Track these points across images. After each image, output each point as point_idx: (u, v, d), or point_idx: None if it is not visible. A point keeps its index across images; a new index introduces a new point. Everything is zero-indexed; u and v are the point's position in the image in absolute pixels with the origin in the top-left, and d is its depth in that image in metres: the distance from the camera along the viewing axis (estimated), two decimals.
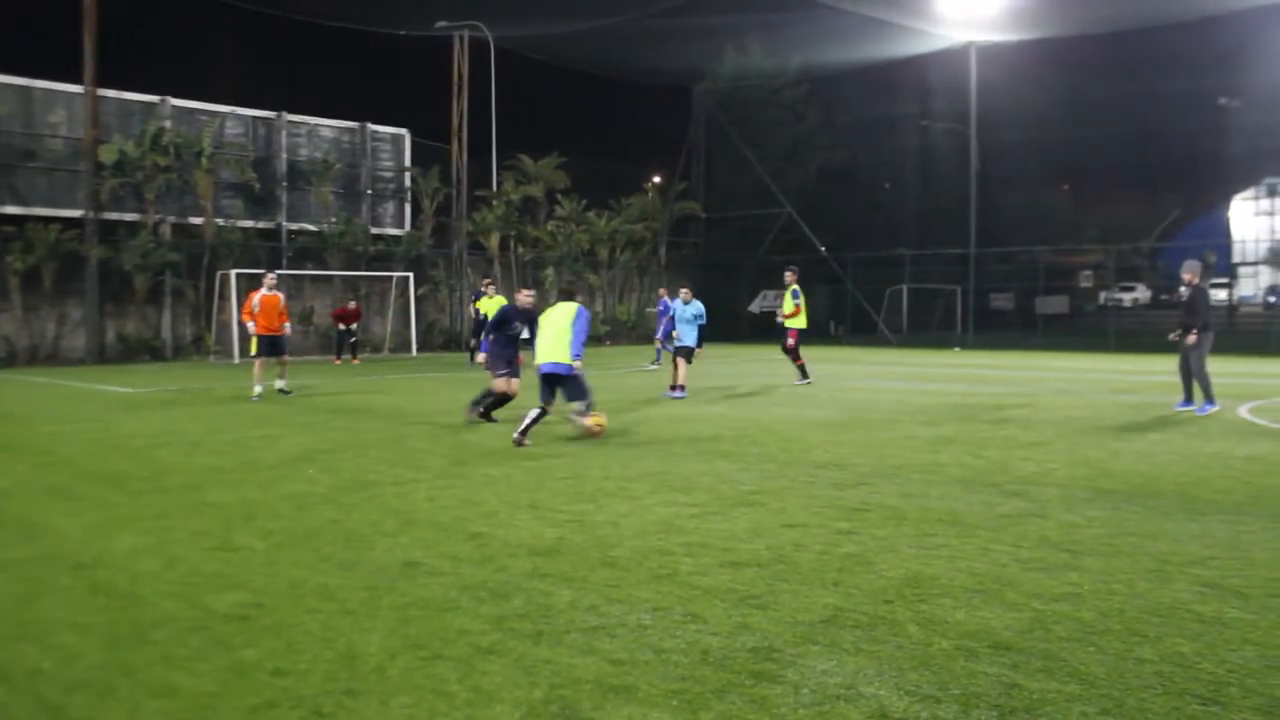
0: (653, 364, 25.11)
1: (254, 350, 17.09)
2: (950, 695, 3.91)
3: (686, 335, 17.25)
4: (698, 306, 17.32)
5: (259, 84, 37.12)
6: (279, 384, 16.98)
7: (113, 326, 28.71)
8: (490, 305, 22.31)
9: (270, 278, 17.33)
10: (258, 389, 16.68)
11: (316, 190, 33.52)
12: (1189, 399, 13.86)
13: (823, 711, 3.78)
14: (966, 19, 34.73)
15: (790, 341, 18.87)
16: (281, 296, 17.43)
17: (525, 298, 12.65)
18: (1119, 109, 42.70)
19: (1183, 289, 14.09)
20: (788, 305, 18.86)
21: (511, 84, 37.72)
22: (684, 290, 17.98)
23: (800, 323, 18.87)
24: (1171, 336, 14.08)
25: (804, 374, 18.96)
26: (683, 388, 16.94)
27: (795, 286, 18.86)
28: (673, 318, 18.97)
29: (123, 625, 4.87)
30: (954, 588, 5.34)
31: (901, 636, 4.59)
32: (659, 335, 25.23)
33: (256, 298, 17.00)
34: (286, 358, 17.18)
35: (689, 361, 17.29)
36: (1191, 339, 13.63)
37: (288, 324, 17.29)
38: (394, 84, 44.22)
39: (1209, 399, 13.59)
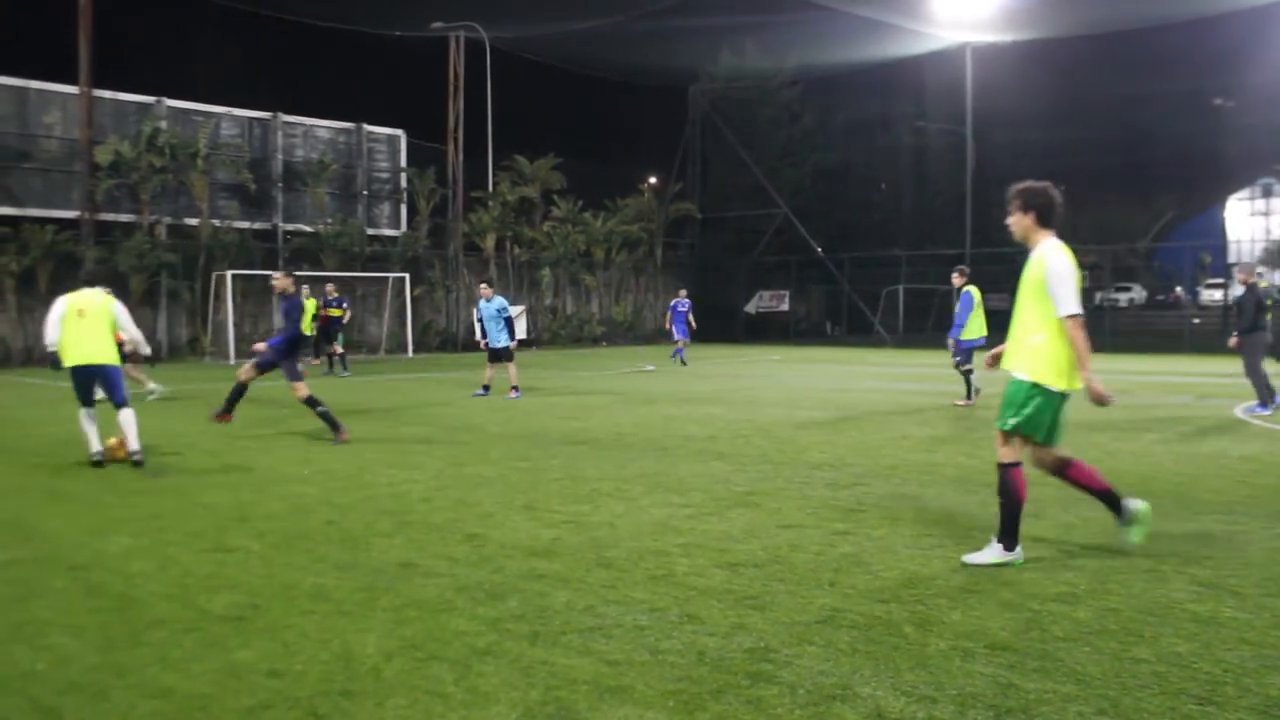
0: (650, 365, 25.08)
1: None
2: (946, 695, 3.91)
3: (497, 336, 16.33)
4: (500, 302, 16.49)
5: (254, 85, 37.02)
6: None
7: None
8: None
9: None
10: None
11: (312, 191, 33.46)
12: (1262, 402, 13.76)
13: (819, 712, 3.78)
14: (961, 20, 34.78)
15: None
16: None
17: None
18: (1114, 109, 42.78)
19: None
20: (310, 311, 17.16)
21: (507, 85, 37.72)
22: (483, 286, 16.87)
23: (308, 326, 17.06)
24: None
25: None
26: (516, 388, 16.34)
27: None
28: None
29: (117, 627, 4.85)
30: (950, 588, 5.34)
31: (897, 637, 4.59)
32: (678, 335, 25.10)
33: None
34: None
35: (510, 360, 16.39)
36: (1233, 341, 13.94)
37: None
38: (390, 85, 44.13)
39: (1260, 402, 13.69)
